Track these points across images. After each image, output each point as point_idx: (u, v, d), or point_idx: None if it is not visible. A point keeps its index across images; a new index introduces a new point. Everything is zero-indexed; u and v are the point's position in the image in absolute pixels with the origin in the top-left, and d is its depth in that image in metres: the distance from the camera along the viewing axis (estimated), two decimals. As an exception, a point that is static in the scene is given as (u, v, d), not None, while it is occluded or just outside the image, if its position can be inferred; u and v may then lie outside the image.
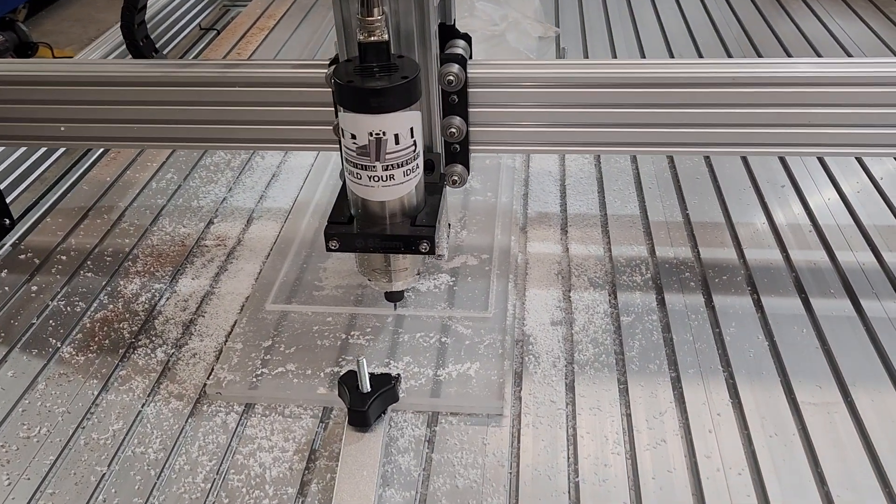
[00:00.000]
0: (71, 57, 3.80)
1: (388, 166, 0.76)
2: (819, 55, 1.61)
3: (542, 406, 0.86)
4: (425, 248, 0.80)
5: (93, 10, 4.74)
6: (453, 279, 1.03)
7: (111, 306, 1.03)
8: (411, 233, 0.80)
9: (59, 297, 1.05)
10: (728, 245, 1.10)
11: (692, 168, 1.27)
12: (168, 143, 1.08)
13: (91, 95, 0.97)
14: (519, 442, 0.82)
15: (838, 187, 1.21)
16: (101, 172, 1.33)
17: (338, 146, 0.92)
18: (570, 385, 0.89)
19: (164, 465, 0.81)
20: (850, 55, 1.60)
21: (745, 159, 1.28)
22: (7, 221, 1.24)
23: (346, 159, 0.77)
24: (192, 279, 1.08)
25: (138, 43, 0.94)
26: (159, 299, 1.04)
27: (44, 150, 1.34)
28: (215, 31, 2.03)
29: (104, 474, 0.80)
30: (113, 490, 0.78)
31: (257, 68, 0.94)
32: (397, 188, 0.78)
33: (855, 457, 0.79)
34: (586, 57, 1.65)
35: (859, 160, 1.26)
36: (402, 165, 0.76)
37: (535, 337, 0.95)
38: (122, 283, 1.07)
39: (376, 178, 0.76)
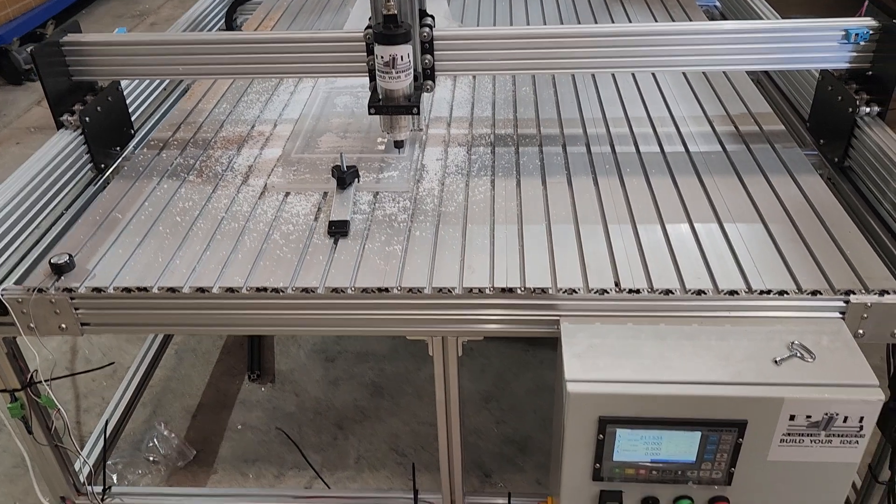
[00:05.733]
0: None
1: (398, 71, 1.67)
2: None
3: (427, 189, 1.82)
4: (416, 112, 1.73)
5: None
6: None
7: (208, 161, 1.97)
8: (410, 104, 1.72)
9: (179, 157, 1.99)
10: (533, 128, 2.07)
11: (525, 94, 2.25)
12: (259, 75, 2.12)
13: (207, 51, 1.90)
14: (415, 201, 1.78)
15: (602, 107, 2.19)
16: (184, 104, 2.27)
17: (364, 74, 1.82)
18: (441, 181, 1.85)
19: (250, 215, 1.75)
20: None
21: (555, 91, 2.26)
22: (132, 131, 2.17)
23: (378, 70, 1.67)
24: (249, 149, 2.02)
25: (232, 23, 1.89)
26: (233, 158, 1.98)
27: (146, 91, 2.27)
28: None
29: (223, 217, 1.74)
30: (230, 220, 1.72)
31: (323, 34, 1.87)
32: (402, 82, 1.68)
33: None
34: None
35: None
36: (405, 70, 1.67)
37: (427, 166, 1.91)
38: (211, 152, 2.01)
39: (391, 78, 1.67)
